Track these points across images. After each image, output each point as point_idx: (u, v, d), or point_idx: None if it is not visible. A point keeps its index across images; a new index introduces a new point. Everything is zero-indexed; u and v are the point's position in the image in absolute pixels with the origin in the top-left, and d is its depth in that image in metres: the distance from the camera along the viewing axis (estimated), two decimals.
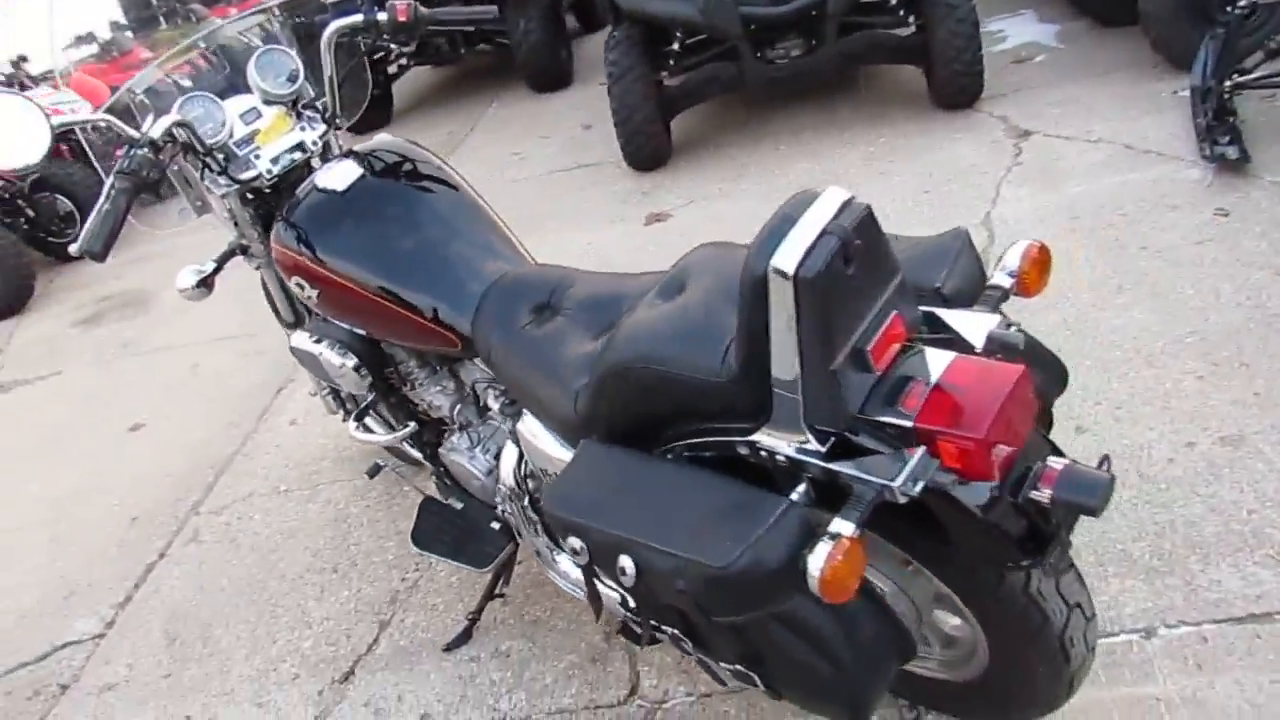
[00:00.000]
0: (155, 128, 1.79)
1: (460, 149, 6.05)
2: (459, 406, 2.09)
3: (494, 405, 1.95)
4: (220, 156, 1.92)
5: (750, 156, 4.55)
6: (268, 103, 2.01)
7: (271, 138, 1.98)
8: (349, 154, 2.00)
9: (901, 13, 4.30)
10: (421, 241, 1.86)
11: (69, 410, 4.09)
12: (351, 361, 2.03)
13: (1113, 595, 1.90)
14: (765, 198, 4.10)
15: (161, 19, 6.81)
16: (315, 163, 2.03)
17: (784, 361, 1.20)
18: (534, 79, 6.53)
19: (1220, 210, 3.01)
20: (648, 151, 4.65)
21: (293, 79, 2.01)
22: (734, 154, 4.64)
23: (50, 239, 5.99)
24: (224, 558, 2.82)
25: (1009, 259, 1.38)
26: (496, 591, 2.21)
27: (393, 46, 6.69)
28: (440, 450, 2.18)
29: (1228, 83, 3.33)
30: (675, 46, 4.51)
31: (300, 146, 1.99)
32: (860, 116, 4.61)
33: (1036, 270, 1.37)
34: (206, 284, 2.14)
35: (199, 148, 1.88)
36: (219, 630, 2.54)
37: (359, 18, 1.96)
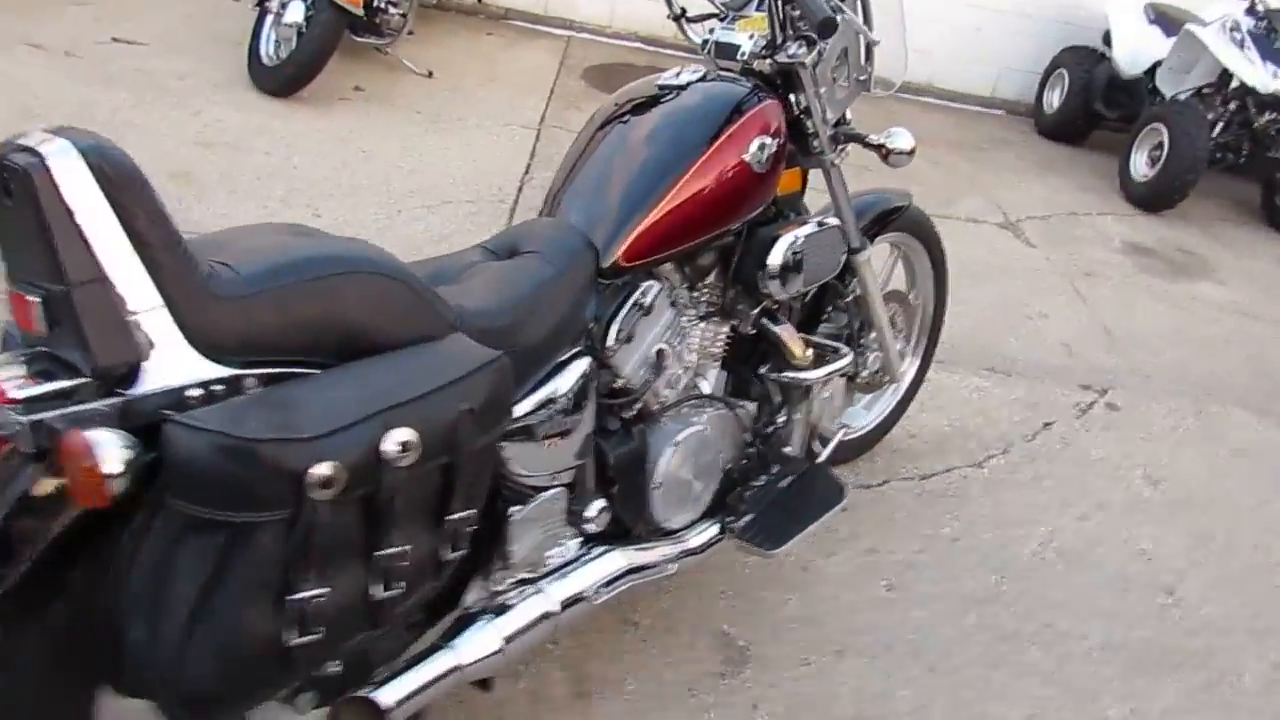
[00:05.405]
0: None
1: None
2: None
3: None
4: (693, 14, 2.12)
5: None
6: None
7: (742, 27, 2.08)
8: (717, 75, 1.99)
9: None
10: (604, 154, 1.87)
11: None
12: None
13: None
14: None
15: None
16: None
17: None
18: None
19: None
20: None
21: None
22: None
23: None
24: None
25: None
26: None
27: None
28: None
29: None
30: None
31: (735, 47, 2.04)
32: None
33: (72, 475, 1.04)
34: None
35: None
36: None
37: None
